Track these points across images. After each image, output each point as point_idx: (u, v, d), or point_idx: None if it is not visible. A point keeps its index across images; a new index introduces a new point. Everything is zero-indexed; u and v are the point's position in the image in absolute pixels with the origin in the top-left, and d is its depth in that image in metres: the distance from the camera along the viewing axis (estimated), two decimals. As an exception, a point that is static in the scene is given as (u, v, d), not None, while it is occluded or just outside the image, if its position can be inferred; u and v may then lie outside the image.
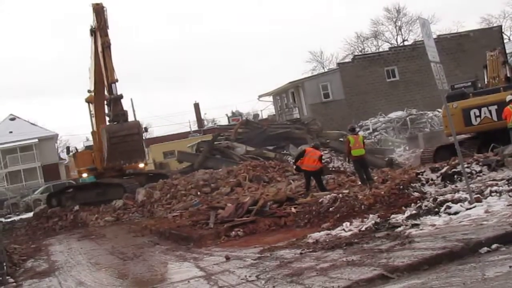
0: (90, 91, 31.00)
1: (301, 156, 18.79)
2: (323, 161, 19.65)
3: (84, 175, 31.86)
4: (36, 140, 62.81)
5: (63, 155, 78.72)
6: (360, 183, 18.33)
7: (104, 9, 29.52)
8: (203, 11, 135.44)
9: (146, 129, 33.60)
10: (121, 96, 29.75)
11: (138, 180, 29.82)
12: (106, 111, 30.21)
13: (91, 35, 30.20)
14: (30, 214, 33.65)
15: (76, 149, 36.62)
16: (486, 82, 24.27)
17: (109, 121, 30.00)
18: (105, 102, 30.20)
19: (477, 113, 19.64)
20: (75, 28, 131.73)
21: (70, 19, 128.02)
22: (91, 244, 18.79)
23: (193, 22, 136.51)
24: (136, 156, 29.69)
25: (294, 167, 20.18)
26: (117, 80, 29.65)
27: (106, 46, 29.45)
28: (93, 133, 33.08)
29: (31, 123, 69.57)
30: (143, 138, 32.75)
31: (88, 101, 31.78)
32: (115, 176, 30.11)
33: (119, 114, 29.71)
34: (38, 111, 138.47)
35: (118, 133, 28.94)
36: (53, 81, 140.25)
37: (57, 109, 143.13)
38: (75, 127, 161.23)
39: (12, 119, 68.87)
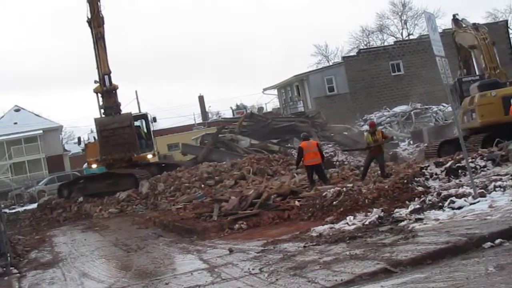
0: (96, 81, 31.07)
1: (302, 154, 18.60)
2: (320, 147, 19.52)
3: (94, 165, 31.69)
4: (41, 131, 62.96)
5: (68, 146, 78.96)
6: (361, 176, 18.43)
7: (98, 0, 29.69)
8: (209, 3, 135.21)
9: (155, 119, 33.31)
10: (113, 88, 29.80)
11: (150, 171, 29.64)
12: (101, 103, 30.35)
13: (88, 26, 30.31)
14: (34, 205, 33.77)
15: (83, 139, 36.54)
16: (484, 73, 23.58)
17: (102, 114, 30.14)
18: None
19: None
20: (78, 19, 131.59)
21: (71, 10, 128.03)
22: (95, 235, 18.83)
23: (199, 13, 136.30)
24: (129, 148, 29.63)
25: (297, 167, 20.18)
26: (110, 72, 29.72)
27: (99, 37, 29.58)
28: None
29: (36, 115, 69.68)
30: (151, 128, 32.53)
31: (96, 91, 31.80)
32: (125, 167, 30.01)
33: (112, 107, 29.77)
34: (43, 103, 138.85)
35: (109, 126, 28.99)
36: (58, 73, 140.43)
37: (62, 100, 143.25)
38: (79, 119, 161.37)
39: (17, 110, 69.03)
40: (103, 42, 29.75)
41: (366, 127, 43.56)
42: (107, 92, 29.84)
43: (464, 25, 24.88)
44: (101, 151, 29.46)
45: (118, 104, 30.35)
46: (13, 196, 50.58)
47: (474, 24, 24.70)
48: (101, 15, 29.73)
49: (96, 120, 30.11)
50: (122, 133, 29.05)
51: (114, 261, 13.06)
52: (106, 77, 29.67)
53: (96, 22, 29.69)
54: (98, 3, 29.74)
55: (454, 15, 26.00)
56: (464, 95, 22.26)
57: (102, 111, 30.34)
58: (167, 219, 18.01)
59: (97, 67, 30.32)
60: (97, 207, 26.16)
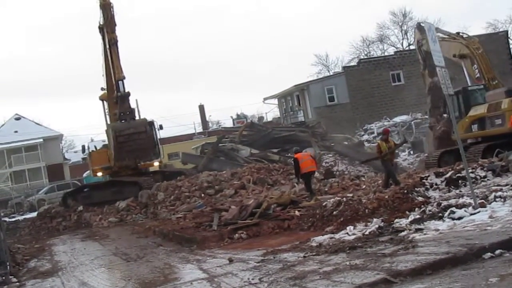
0: (103, 88, 30.96)
1: (298, 165, 18.60)
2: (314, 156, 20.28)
3: (99, 174, 31.52)
4: (41, 140, 62.90)
5: (68, 155, 78.95)
6: (383, 184, 18.11)
7: (111, 5, 29.60)
8: (209, 13, 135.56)
9: (161, 127, 33.05)
10: (128, 94, 29.56)
11: (155, 179, 29.53)
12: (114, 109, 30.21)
13: (100, 32, 30.24)
14: (34, 214, 33.77)
15: (87, 147, 36.40)
16: (485, 83, 23.29)
17: (116, 119, 29.93)
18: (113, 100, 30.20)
19: None
20: (78, 27, 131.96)
21: (71, 19, 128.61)
22: (95, 244, 18.81)
23: (199, 23, 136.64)
24: (144, 155, 29.49)
25: (298, 179, 19.98)
26: (124, 77, 29.54)
27: (113, 43, 29.41)
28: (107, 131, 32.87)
29: (36, 123, 69.69)
30: (158, 136, 32.36)
31: (102, 98, 31.64)
32: (131, 174, 29.90)
33: (126, 112, 29.53)
34: (43, 111, 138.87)
35: (124, 132, 28.70)
36: (58, 81, 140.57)
37: (62, 109, 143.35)
38: (80, 128, 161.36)
39: (17, 119, 69.04)
40: (116, 48, 29.56)
41: (366, 136, 43.63)
42: (121, 97, 29.49)
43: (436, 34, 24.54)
44: (116, 157, 29.27)
45: (132, 110, 30.08)
46: (13, 204, 50.51)
47: (457, 33, 24.38)
48: (114, 21, 29.66)
49: (111, 125, 29.85)
50: (137, 139, 28.80)
51: (114, 271, 13.04)
52: (120, 82, 29.39)
53: (109, 27, 29.55)
54: (112, 8, 29.62)
55: (418, 23, 25.60)
56: (471, 103, 22.09)
57: (109, 117, 30.23)
58: (167, 228, 18.01)
59: (107, 74, 30.20)
60: (97, 216, 26.18)
